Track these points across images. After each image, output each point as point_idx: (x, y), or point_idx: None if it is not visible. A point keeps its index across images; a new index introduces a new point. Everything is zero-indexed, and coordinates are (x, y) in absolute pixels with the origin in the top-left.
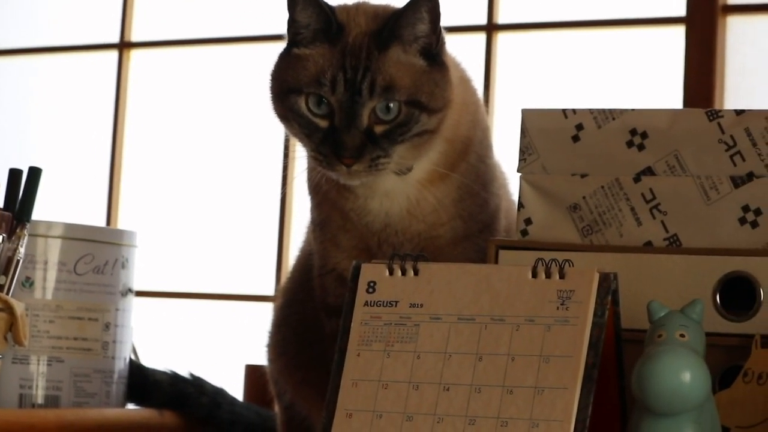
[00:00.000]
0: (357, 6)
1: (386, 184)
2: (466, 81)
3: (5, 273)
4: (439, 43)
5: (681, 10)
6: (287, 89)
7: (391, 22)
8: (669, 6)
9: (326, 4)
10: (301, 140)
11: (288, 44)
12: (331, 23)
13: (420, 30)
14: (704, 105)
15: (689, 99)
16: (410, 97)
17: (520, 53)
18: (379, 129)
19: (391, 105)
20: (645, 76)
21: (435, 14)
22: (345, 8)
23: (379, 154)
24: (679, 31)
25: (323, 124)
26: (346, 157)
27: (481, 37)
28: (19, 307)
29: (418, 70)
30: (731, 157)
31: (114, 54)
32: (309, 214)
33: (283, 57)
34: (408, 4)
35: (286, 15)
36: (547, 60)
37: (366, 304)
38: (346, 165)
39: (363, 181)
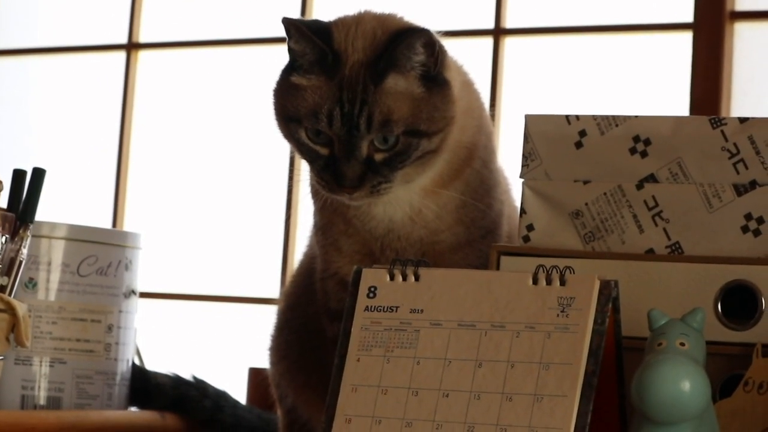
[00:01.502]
0: (357, 22)
1: None
2: (469, 85)
3: (8, 274)
4: (438, 64)
5: (688, 16)
6: (288, 116)
7: (387, 52)
8: (676, 12)
9: (321, 34)
10: (305, 161)
11: (289, 64)
12: (326, 54)
13: (416, 60)
14: (710, 112)
15: (696, 106)
16: (408, 127)
17: (528, 58)
18: (378, 157)
19: (389, 137)
20: (651, 82)
21: (431, 45)
22: (345, 25)
23: (380, 180)
24: (686, 38)
25: (324, 151)
26: (347, 187)
27: (489, 41)
28: (21, 308)
29: (416, 98)
30: (734, 165)
31: (122, 55)
32: (312, 218)
33: (284, 79)
34: (402, 39)
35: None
36: (555, 65)
37: (366, 309)
38: (347, 193)
39: (366, 203)
